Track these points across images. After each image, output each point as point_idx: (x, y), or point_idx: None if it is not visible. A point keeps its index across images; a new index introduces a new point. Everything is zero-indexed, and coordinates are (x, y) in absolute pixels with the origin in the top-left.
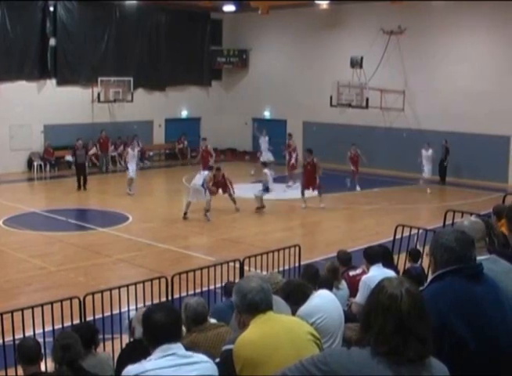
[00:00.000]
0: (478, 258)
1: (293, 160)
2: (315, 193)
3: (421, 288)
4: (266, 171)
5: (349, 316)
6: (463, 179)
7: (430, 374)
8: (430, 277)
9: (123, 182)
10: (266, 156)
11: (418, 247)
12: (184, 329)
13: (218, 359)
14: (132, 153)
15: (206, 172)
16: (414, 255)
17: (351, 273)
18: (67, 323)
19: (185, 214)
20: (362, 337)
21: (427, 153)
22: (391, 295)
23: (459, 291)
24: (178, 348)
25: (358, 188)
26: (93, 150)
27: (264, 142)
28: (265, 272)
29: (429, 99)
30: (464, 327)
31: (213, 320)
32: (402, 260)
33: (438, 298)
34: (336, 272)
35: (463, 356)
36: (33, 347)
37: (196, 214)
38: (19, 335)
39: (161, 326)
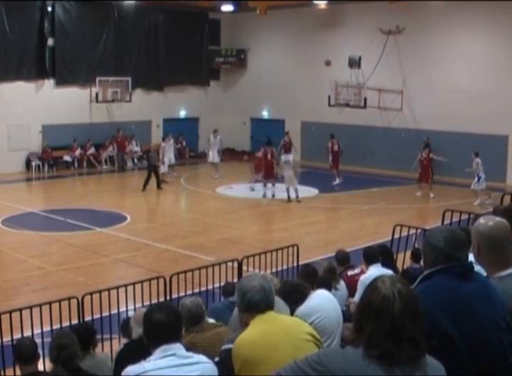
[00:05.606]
0: None
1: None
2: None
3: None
4: None
5: (348, 316)
6: (461, 179)
7: (424, 373)
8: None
9: (122, 182)
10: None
11: (417, 246)
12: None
13: (216, 359)
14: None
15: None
16: (416, 255)
17: (350, 273)
18: (65, 324)
19: None
20: (356, 337)
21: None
22: (384, 297)
23: (447, 290)
24: (178, 348)
25: (431, 195)
26: (109, 149)
27: (214, 143)
28: (262, 272)
29: (427, 99)
30: (453, 326)
31: (211, 320)
32: (400, 260)
33: (425, 298)
34: (333, 272)
35: (452, 354)
36: (29, 347)
37: (195, 213)
38: (17, 335)
39: (161, 326)
